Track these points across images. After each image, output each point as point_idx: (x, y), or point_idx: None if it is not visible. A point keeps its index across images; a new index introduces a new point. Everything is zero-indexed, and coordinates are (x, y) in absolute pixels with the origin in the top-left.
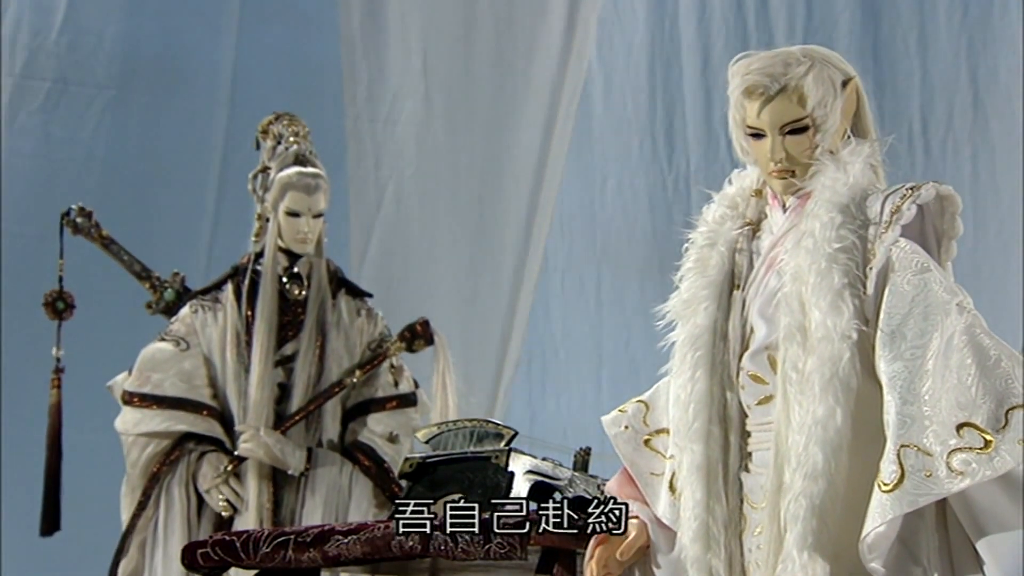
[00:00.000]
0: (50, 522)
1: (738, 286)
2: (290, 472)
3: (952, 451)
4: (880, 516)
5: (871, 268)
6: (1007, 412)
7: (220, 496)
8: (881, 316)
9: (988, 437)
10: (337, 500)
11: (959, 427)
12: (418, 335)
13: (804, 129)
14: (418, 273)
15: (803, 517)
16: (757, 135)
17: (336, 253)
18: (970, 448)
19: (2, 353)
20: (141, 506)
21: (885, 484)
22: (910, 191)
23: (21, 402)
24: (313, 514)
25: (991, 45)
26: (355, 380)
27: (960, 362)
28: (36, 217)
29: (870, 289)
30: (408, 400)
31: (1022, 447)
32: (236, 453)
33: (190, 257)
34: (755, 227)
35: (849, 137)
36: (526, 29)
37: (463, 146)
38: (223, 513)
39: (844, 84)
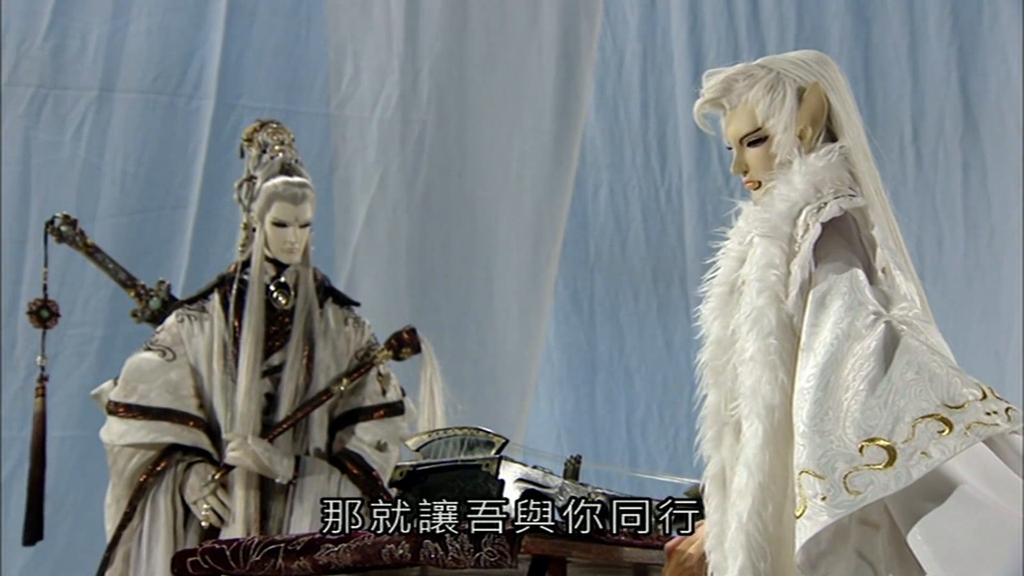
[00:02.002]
0: (33, 531)
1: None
2: (278, 481)
3: (850, 472)
4: (797, 543)
5: (791, 284)
6: (914, 423)
7: (205, 507)
8: (802, 333)
9: (893, 451)
10: None
11: (861, 446)
12: (405, 343)
13: (762, 140)
14: (405, 274)
15: (731, 534)
16: (731, 148)
17: (321, 251)
18: (870, 466)
19: None
20: (127, 517)
21: (796, 511)
22: (816, 210)
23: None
24: (301, 522)
25: (981, 53)
26: (342, 388)
27: (869, 375)
28: (21, 222)
29: (793, 305)
30: (396, 409)
31: (925, 458)
32: (224, 462)
33: (174, 260)
34: None
35: (818, 144)
36: (516, 29)
37: (454, 144)
38: (210, 524)
39: (805, 90)
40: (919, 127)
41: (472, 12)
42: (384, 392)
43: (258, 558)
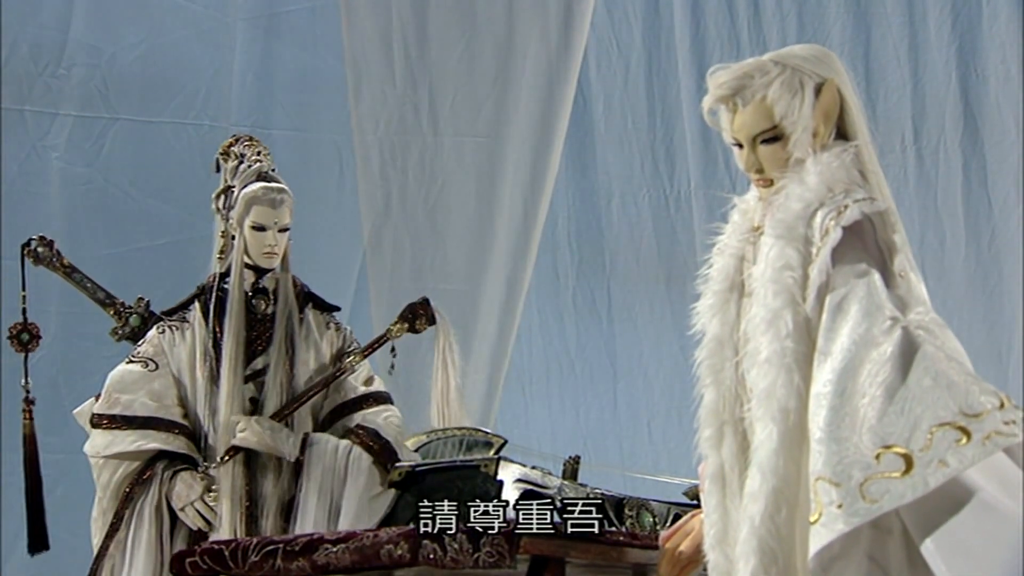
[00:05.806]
0: (38, 541)
1: (748, 294)
2: (285, 459)
3: (867, 480)
4: (811, 549)
5: (810, 287)
6: (931, 431)
7: (194, 512)
8: (819, 336)
9: (910, 459)
10: (332, 481)
11: (878, 453)
12: (419, 314)
13: (777, 138)
14: (430, 280)
15: (743, 537)
16: (737, 145)
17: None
18: (887, 474)
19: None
20: (113, 528)
21: (811, 517)
22: (836, 213)
23: None
24: (308, 500)
25: (980, 54)
26: (354, 363)
27: (886, 382)
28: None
29: (810, 309)
30: (383, 397)
31: (943, 467)
32: (232, 443)
33: (199, 276)
34: (762, 233)
35: (830, 141)
36: (524, 45)
37: (469, 160)
38: (200, 528)
39: (820, 87)
40: (920, 128)
41: (481, 26)
42: (369, 384)
43: (257, 558)
